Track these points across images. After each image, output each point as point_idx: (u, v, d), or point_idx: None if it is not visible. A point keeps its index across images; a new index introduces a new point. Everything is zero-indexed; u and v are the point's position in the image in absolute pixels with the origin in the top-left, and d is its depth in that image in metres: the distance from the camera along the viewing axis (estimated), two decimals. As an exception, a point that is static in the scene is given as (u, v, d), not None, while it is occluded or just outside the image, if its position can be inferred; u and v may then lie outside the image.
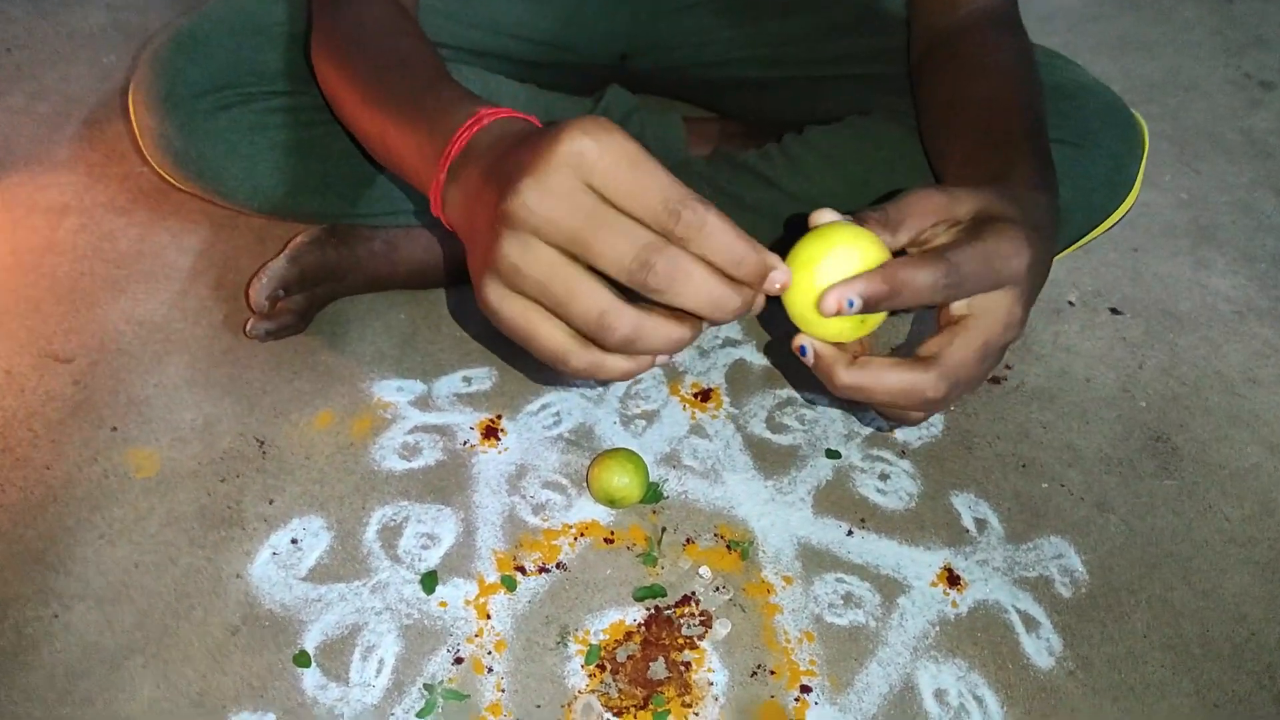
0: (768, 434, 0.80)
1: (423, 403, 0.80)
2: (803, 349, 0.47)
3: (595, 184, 0.38)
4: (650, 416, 0.81)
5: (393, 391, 0.81)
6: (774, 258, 0.40)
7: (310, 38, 0.66)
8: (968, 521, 0.75)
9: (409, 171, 0.53)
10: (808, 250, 0.44)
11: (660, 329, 0.40)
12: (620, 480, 0.72)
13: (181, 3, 1.25)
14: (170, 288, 0.87)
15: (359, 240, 0.84)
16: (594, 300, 0.39)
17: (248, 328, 0.82)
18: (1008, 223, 0.47)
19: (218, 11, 0.79)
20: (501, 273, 0.40)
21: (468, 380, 0.82)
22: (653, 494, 0.75)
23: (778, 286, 0.40)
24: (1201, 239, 1.02)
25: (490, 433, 0.78)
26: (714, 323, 0.40)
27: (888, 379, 0.46)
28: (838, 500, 0.76)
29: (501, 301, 0.41)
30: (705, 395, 0.83)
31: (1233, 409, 0.85)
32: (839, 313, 0.43)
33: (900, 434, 0.81)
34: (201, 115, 0.75)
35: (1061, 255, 0.80)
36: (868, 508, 0.75)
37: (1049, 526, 0.75)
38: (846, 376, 0.46)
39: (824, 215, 0.46)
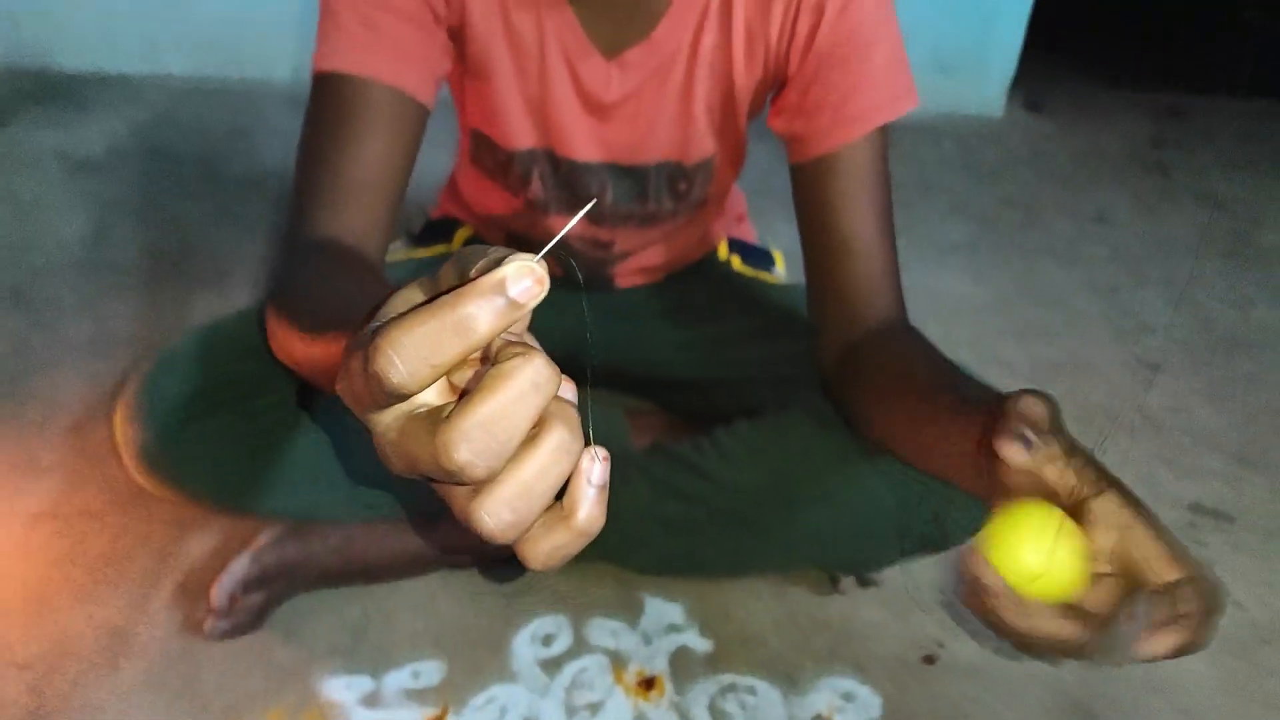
0: (709, 721, 0.83)
1: (370, 700, 0.82)
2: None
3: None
4: (595, 707, 0.83)
5: (341, 689, 0.83)
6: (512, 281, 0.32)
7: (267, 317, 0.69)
8: (906, 807, 0.76)
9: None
10: (1021, 524, 0.47)
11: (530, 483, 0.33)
12: (562, 776, 0.73)
13: (169, 315, 1.37)
14: (134, 591, 0.91)
15: (317, 537, 0.89)
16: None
17: (206, 628, 0.85)
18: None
19: (199, 333, 0.89)
20: None
21: (416, 675, 0.85)
22: (595, 789, 0.75)
23: (530, 301, 0.32)
24: (1109, 512, 1.10)
25: (436, 729, 0.80)
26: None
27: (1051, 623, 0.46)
28: (778, 789, 0.77)
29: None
30: (649, 683, 0.86)
31: (1149, 678, 0.89)
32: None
33: (840, 718, 0.83)
34: (175, 426, 0.83)
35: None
36: (808, 796, 0.77)
37: (985, 810, 0.76)
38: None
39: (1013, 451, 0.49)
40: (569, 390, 0.35)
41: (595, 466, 0.34)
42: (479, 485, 0.32)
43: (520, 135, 0.87)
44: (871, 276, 0.79)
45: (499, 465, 0.31)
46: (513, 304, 0.31)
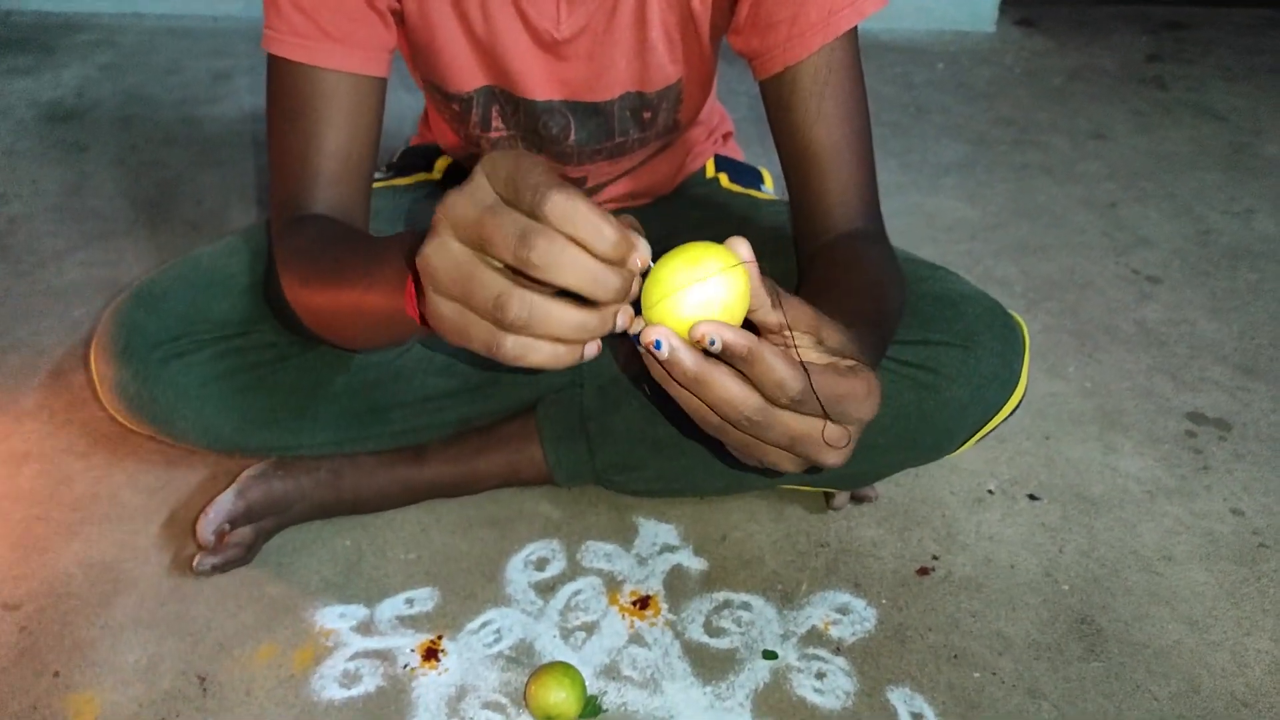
0: (705, 638, 0.82)
1: (364, 627, 0.82)
2: (658, 343, 0.43)
3: (497, 187, 0.43)
4: (590, 628, 0.83)
5: (335, 618, 0.82)
6: (639, 239, 0.42)
7: (273, 265, 0.73)
8: (905, 718, 0.76)
9: (383, 314, 0.56)
10: (692, 254, 0.44)
11: (556, 309, 0.42)
12: (557, 695, 0.73)
13: (152, 256, 1.35)
14: (123, 528, 0.90)
15: (304, 470, 0.88)
16: (490, 285, 0.42)
17: (195, 563, 0.84)
18: (869, 370, 0.49)
19: (177, 268, 0.87)
20: (426, 275, 0.44)
21: (410, 602, 0.84)
22: (592, 708, 0.75)
23: (639, 265, 0.42)
24: (1108, 424, 1.09)
25: (431, 654, 0.79)
26: (599, 300, 0.42)
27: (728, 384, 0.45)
28: (777, 703, 0.77)
29: (434, 306, 0.44)
30: (644, 603, 0.85)
31: (1151, 587, 0.88)
32: (699, 342, 0.43)
33: (835, 631, 0.83)
34: (156, 363, 0.81)
35: (967, 446, 0.85)
36: (806, 709, 0.76)
37: (983, 718, 0.76)
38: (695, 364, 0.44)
39: (739, 245, 0.45)
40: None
41: (590, 348, 0.44)
42: (533, 285, 0.42)
43: (471, 77, 0.84)
44: (835, 189, 0.77)
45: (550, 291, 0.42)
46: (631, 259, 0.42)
